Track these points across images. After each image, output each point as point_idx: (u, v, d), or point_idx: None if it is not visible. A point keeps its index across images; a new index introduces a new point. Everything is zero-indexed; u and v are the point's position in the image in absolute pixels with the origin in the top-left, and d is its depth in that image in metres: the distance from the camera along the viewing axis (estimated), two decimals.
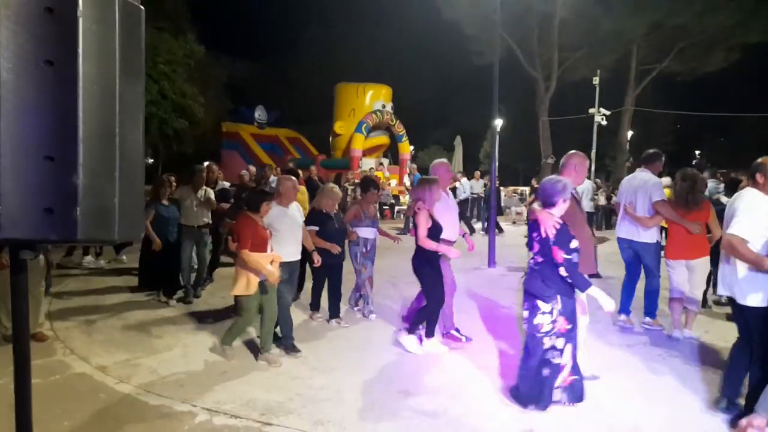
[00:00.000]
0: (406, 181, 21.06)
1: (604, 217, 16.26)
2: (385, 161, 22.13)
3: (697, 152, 41.22)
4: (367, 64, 32.28)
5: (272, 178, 8.55)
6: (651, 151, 5.77)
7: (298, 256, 5.06)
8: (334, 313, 5.78)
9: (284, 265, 4.75)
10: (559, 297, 3.60)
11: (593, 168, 25.48)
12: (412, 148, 24.56)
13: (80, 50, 1.15)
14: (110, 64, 1.23)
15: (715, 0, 21.76)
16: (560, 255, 3.52)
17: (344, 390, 4.07)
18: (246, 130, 23.21)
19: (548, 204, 3.66)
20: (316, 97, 29.99)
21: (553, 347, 3.64)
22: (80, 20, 1.14)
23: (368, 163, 19.52)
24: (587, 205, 9.61)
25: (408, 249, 5.11)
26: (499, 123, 18.53)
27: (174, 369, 4.45)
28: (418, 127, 31.81)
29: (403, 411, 3.74)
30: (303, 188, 6.72)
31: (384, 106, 20.97)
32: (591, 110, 25.80)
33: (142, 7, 1.28)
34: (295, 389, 4.08)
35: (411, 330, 4.98)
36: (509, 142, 36.72)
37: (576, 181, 4.17)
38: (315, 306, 5.92)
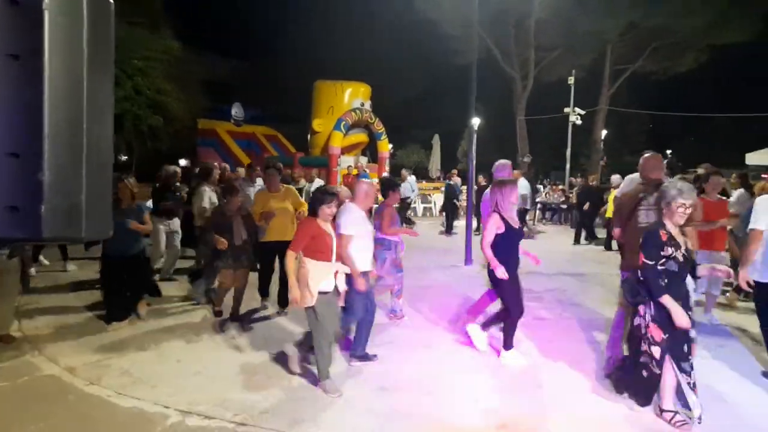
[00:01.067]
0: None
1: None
2: (364, 159, 22.10)
3: (668, 151, 42.14)
4: (346, 62, 32.13)
5: (257, 180, 8.09)
6: (648, 153, 5.97)
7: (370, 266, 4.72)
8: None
9: (367, 275, 4.52)
10: (652, 302, 3.52)
11: (567, 167, 25.92)
12: (391, 146, 24.57)
13: (46, 44, 1.11)
14: (77, 57, 1.20)
15: (688, 2, 22.26)
16: (642, 259, 3.53)
17: (320, 388, 4.06)
18: (222, 128, 22.91)
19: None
20: (295, 95, 29.73)
21: (650, 354, 3.54)
22: (46, 13, 1.10)
23: (347, 161, 19.47)
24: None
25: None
26: (476, 122, 18.66)
27: (146, 369, 4.38)
28: (396, 126, 31.82)
29: (380, 408, 3.75)
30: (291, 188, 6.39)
31: (363, 104, 20.92)
32: (566, 109, 26.18)
33: (111, 1, 1.26)
34: (271, 388, 4.06)
35: (485, 327, 4.93)
36: (487, 140, 36.99)
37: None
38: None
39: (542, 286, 7.45)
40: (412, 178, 15.60)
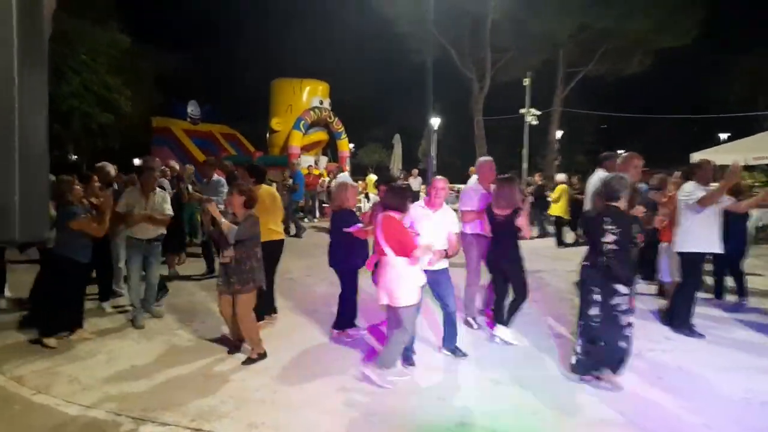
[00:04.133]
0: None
1: None
2: (324, 159, 21.97)
3: (619, 151, 43.62)
4: (304, 59, 31.86)
5: (216, 177, 7.80)
6: (605, 153, 6.54)
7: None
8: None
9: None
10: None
11: (525, 166, 26.50)
12: (351, 145, 24.53)
13: None
14: (6, 50, 1.13)
15: (634, 5, 23.13)
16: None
17: (279, 391, 4.01)
18: (178, 126, 22.32)
19: (613, 199, 4.07)
20: (252, 93, 29.28)
21: (631, 324, 4.04)
22: None
23: (307, 160, 19.31)
24: None
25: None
26: (436, 122, 18.94)
27: (98, 376, 4.22)
28: (356, 124, 31.77)
29: (340, 408, 3.73)
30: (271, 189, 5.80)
31: (322, 103, 20.79)
32: (522, 110, 26.76)
33: None
34: (228, 392, 3.97)
35: (506, 322, 5.07)
36: (446, 140, 37.44)
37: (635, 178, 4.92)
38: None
39: None
40: (342, 175, 14.57)
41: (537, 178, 14.73)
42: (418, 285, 4.08)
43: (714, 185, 5.45)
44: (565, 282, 7.41)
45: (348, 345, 5.04)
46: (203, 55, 37.01)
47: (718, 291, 6.68)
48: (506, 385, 4.17)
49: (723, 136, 30.80)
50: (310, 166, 17.23)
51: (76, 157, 23.85)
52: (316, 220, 15.60)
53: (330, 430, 3.46)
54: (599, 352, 4.08)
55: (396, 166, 23.52)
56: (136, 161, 20.80)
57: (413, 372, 4.40)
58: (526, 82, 26.50)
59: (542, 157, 30.44)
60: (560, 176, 12.69)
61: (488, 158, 5.92)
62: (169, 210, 5.73)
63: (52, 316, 4.94)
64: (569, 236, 11.68)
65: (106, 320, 5.67)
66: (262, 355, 4.56)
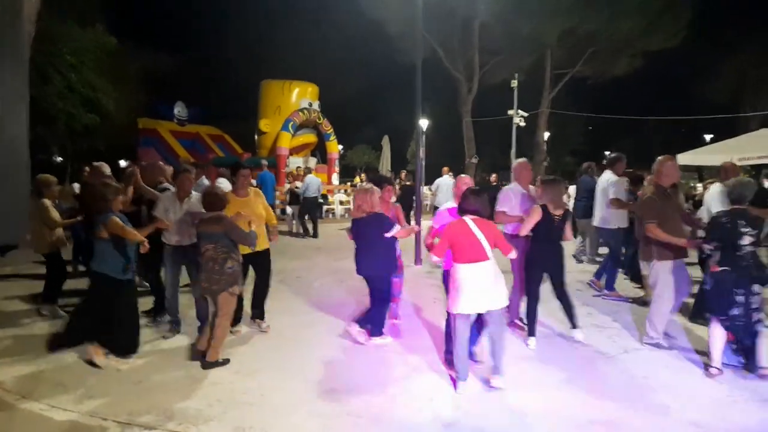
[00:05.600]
0: (335, 180, 21.03)
1: None
2: (313, 160, 21.92)
3: (606, 152, 44.06)
4: (293, 60, 31.74)
5: (202, 179, 7.59)
6: (613, 154, 7.13)
7: None
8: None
9: None
10: None
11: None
12: (340, 147, 24.49)
13: None
14: None
15: (622, 8, 23.38)
16: None
17: (267, 393, 3.99)
18: (165, 127, 22.12)
19: (741, 202, 4.26)
20: (241, 94, 29.13)
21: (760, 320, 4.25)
22: None
23: (296, 162, 19.25)
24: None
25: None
26: (425, 123, 18.91)
27: (83, 381, 4.16)
28: (345, 126, 31.71)
29: (328, 410, 3.72)
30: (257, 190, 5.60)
31: (311, 104, 20.76)
32: (510, 112, 26.93)
33: None
34: (215, 395, 3.94)
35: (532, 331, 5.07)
36: (435, 141, 37.49)
37: (668, 181, 5.04)
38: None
39: None
40: (309, 178, 13.46)
41: (494, 179, 15.11)
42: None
43: None
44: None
45: (341, 349, 5.02)
46: (191, 56, 36.78)
47: None
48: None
49: (708, 137, 31.23)
50: (298, 167, 17.14)
51: (60, 159, 23.56)
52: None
53: (317, 431, 3.45)
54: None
55: (385, 167, 23.54)
56: (123, 163, 20.59)
57: (400, 375, 4.39)
58: (514, 83, 26.70)
59: (530, 159, 30.63)
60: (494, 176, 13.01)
61: (523, 159, 6.03)
62: None
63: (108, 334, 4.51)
64: None
65: None
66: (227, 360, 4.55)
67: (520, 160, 5.99)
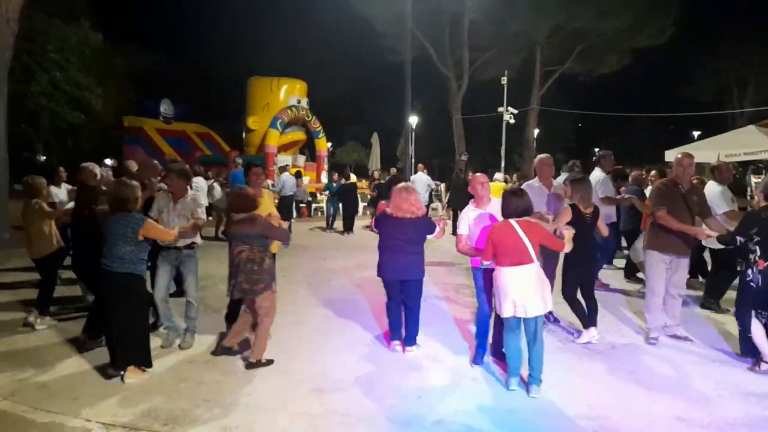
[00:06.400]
0: (324, 178, 20.94)
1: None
2: (302, 158, 21.82)
3: (596, 149, 44.39)
4: (281, 57, 31.54)
5: (196, 179, 7.34)
6: (601, 152, 7.16)
7: None
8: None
9: None
10: None
11: (503, 164, 26.73)
12: (329, 144, 24.41)
13: None
14: None
15: (609, 5, 23.51)
16: None
17: (254, 393, 3.95)
18: (151, 125, 21.88)
19: None
20: (228, 91, 28.91)
21: None
22: None
23: (284, 160, 19.15)
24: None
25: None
26: (414, 120, 18.95)
27: (65, 382, 4.10)
28: (334, 124, 31.63)
29: (315, 410, 3.69)
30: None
31: (299, 102, 20.63)
32: (500, 109, 27.00)
33: None
34: (202, 395, 3.90)
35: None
36: (424, 138, 37.55)
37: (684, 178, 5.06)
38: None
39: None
40: (285, 176, 13.37)
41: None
42: None
43: None
44: None
45: (329, 348, 4.99)
46: (177, 53, 36.41)
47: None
48: (484, 383, 4.18)
49: (696, 134, 31.55)
50: (287, 165, 17.05)
51: (44, 158, 23.27)
52: (293, 221, 15.44)
53: (304, 431, 3.42)
54: None
55: (374, 165, 23.51)
56: (108, 161, 20.38)
57: (389, 373, 4.38)
58: (504, 80, 26.77)
59: (519, 155, 30.80)
60: (498, 175, 12.99)
61: (545, 155, 5.93)
62: (202, 213, 4.98)
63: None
64: None
65: (72, 324, 5.47)
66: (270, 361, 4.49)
67: (542, 156, 5.89)
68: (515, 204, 3.99)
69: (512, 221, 3.94)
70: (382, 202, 5.48)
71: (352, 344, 5.03)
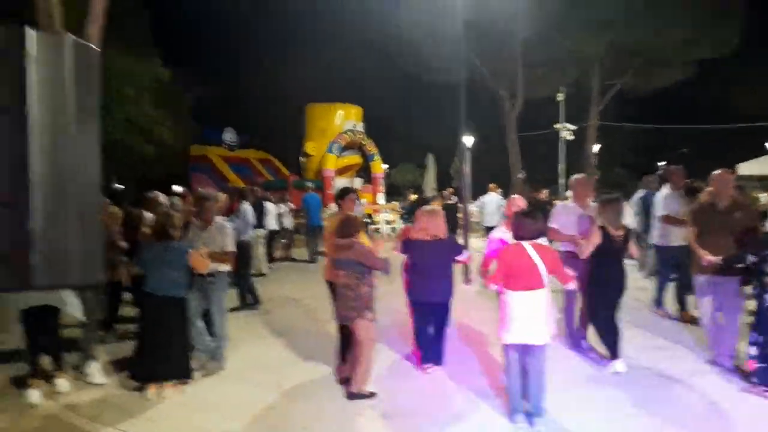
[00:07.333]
0: (380, 199, 21.18)
1: None
2: (358, 181, 22.18)
3: (661, 164, 42.48)
4: (336, 83, 32.43)
5: (244, 205, 7.48)
6: (670, 167, 6.86)
7: None
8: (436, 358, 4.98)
9: None
10: None
11: (562, 181, 26.07)
12: (385, 166, 24.69)
13: (31, 95, 1.11)
14: (63, 107, 1.19)
15: (670, 17, 22.67)
16: None
17: (324, 418, 3.99)
18: (215, 153, 22.97)
19: None
20: (287, 118, 29.91)
21: None
22: (30, 65, 1.11)
23: (341, 183, 19.51)
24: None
25: None
26: (469, 140, 18.85)
27: (142, 404, 4.30)
28: (388, 145, 31.94)
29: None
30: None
31: (355, 126, 21.09)
32: (556, 125, 26.45)
33: (97, 49, 1.26)
34: (255, 419, 3.98)
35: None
36: (479, 157, 37.21)
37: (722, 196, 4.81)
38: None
39: None
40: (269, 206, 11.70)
41: (545, 195, 14.36)
42: None
43: None
44: None
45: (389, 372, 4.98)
46: (238, 83, 38.15)
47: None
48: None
49: None
50: (344, 188, 17.31)
51: (120, 186, 24.76)
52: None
53: None
54: None
55: (430, 185, 23.54)
56: (176, 188, 21.42)
57: (444, 397, 4.33)
58: (560, 97, 26.23)
59: (579, 172, 29.94)
60: (569, 194, 12.45)
61: (582, 175, 5.86)
62: (230, 245, 5.17)
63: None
64: None
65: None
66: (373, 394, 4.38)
67: (578, 176, 5.78)
68: (529, 226, 3.84)
69: (525, 244, 3.79)
70: (406, 225, 5.51)
71: (397, 365, 5.01)
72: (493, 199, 12.99)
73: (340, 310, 4.43)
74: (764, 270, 4.10)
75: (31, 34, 1.10)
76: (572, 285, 3.99)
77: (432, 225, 4.68)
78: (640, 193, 8.93)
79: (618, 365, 4.71)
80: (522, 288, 3.71)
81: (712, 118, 31.51)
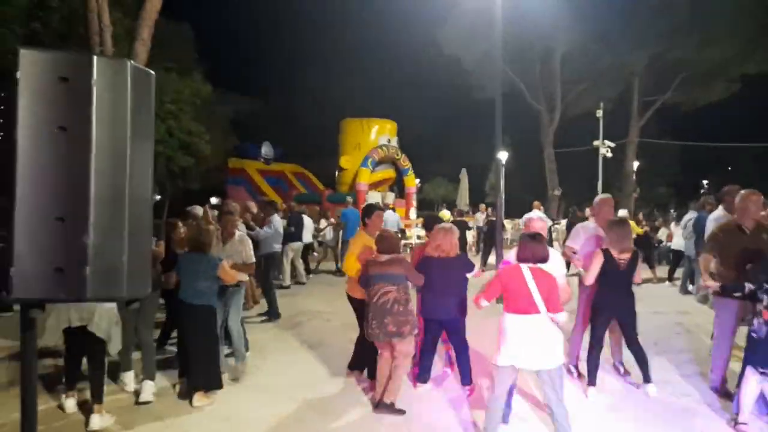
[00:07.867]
0: (412, 214, 21.16)
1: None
2: (391, 195, 22.23)
3: (704, 182, 41.11)
4: (371, 98, 32.89)
5: (275, 217, 7.91)
6: (725, 188, 6.22)
7: None
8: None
9: None
10: None
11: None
12: (417, 181, 24.71)
13: (93, 116, 1.19)
14: (121, 128, 1.27)
15: (714, 32, 22.11)
16: None
17: None
18: (252, 166, 23.47)
19: None
20: (321, 132, 30.39)
21: None
22: (93, 88, 1.19)
23: (374, 197, 19.61)
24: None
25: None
26: (504, 156, 18.73)
27: (172, 411, 4.37)
28: (422, 160, 32.03)
29: None
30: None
31: (389, 141, 21.21)
32: (596, 142, 25.94)
33: (152, 73, 1.33)
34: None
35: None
36: (514, 173, 36.87)
37: (745, 218, 4.55)
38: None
39: None
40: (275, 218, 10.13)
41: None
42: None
43: None
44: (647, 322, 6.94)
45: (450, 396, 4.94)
46: (275, 98, 39.10)
47: None
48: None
49: None
50: (377, 203, 17.41)
51: (159, 197, 25.52)
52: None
53: None
54: None
55: (463, 200, 23.41)
56: (213, 200, 21.96)
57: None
58: (599, 113, 25.78)
59: (619, 190, 29.27)
60: (622, 212, 12.08)
61: (606, 195, 5.69)
62: (250, 257, 5.33)
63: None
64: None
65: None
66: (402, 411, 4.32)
67: (603, 195, 5.63)
68: (531, 249, 3.68)
69: (523, 266, 3.65)
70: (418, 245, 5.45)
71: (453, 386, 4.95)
72: (537, 215, 12.64)
73: (389, 326, 4.30)
74: (758, 297, 3.93)
75: (97, 61, 1.18)
76: (560, 316, 3.61)
77: (446, 242, 4.69)
78: (691, 215, 8.60)
79: (591, 393, 4.67)
80: (515, 311, 3.59)
81: (760, 134, 30.34)
